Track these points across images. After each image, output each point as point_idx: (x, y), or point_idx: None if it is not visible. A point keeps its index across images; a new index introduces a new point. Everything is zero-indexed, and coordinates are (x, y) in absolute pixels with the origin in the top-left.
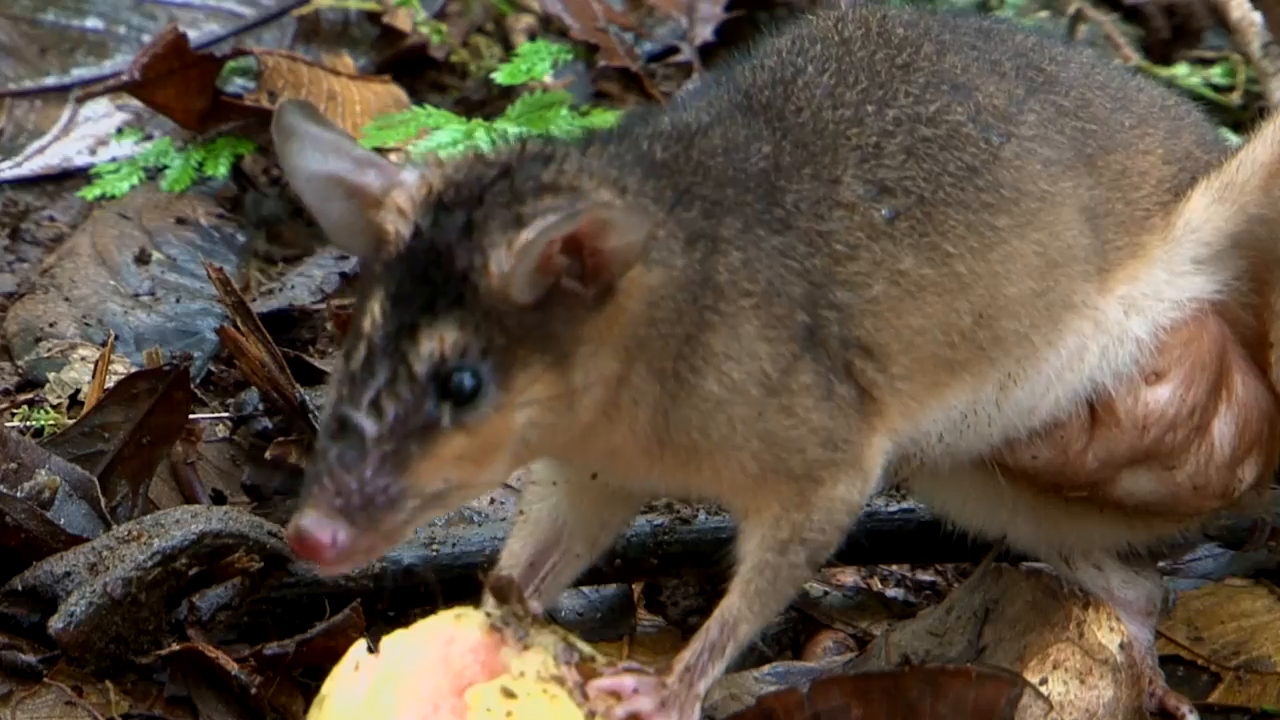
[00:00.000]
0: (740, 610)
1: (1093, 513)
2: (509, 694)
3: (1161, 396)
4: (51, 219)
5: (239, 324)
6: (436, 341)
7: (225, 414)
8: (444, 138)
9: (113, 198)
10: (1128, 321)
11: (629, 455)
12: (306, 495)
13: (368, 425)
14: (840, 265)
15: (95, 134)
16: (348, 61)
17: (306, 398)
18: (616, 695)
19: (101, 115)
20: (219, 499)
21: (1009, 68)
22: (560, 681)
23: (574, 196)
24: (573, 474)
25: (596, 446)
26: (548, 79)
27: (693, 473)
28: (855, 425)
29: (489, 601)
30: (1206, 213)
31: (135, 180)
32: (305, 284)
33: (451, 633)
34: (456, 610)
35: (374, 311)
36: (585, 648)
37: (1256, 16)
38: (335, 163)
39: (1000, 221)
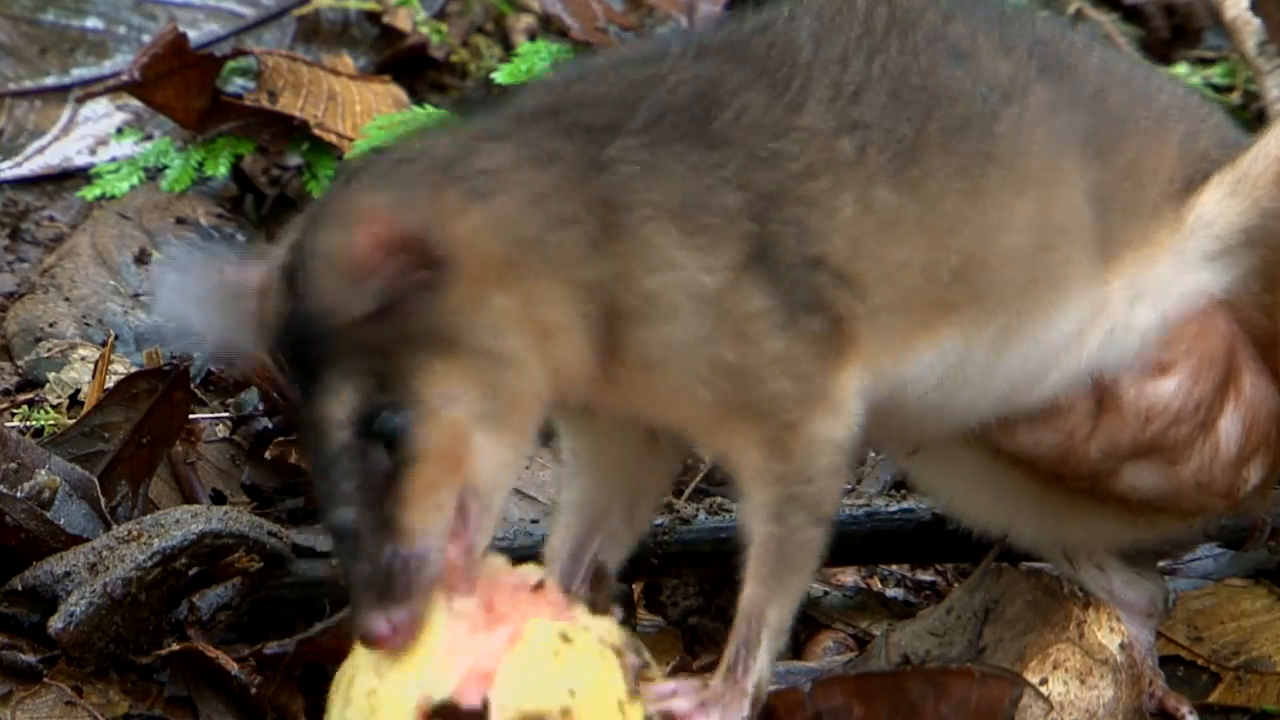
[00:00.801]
0: (760, 596)
1: (1096, 508)
2: (566, 638)
3: (1166, 389)
4: (51, 219)
5: None
6: (338, 405)
7: (225, 414)
8: None
9: (113, 198)
10: (1134, 310)
11: (592, 374)
12: (352, 600)
13: (345, 516)
14: (797, 182)
15: (95, 134)
16: (348, 61)
17: None
18: (660, 699)
19: (101, 115)
20: (219, 499)
21: (1022, 49)
22: (619, 654)
23: (347, 202)
24: (592, 444)
25: (566, 375)
26: None
27: (654, 399)
28: (822, 357)
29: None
30: (1219, 206)
31: (135, 180)
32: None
33: (534, 577)
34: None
35: (293, 403)
36: (649, 658)
37: (1252, 15)
38: (212, 275)
39: (994, 173)
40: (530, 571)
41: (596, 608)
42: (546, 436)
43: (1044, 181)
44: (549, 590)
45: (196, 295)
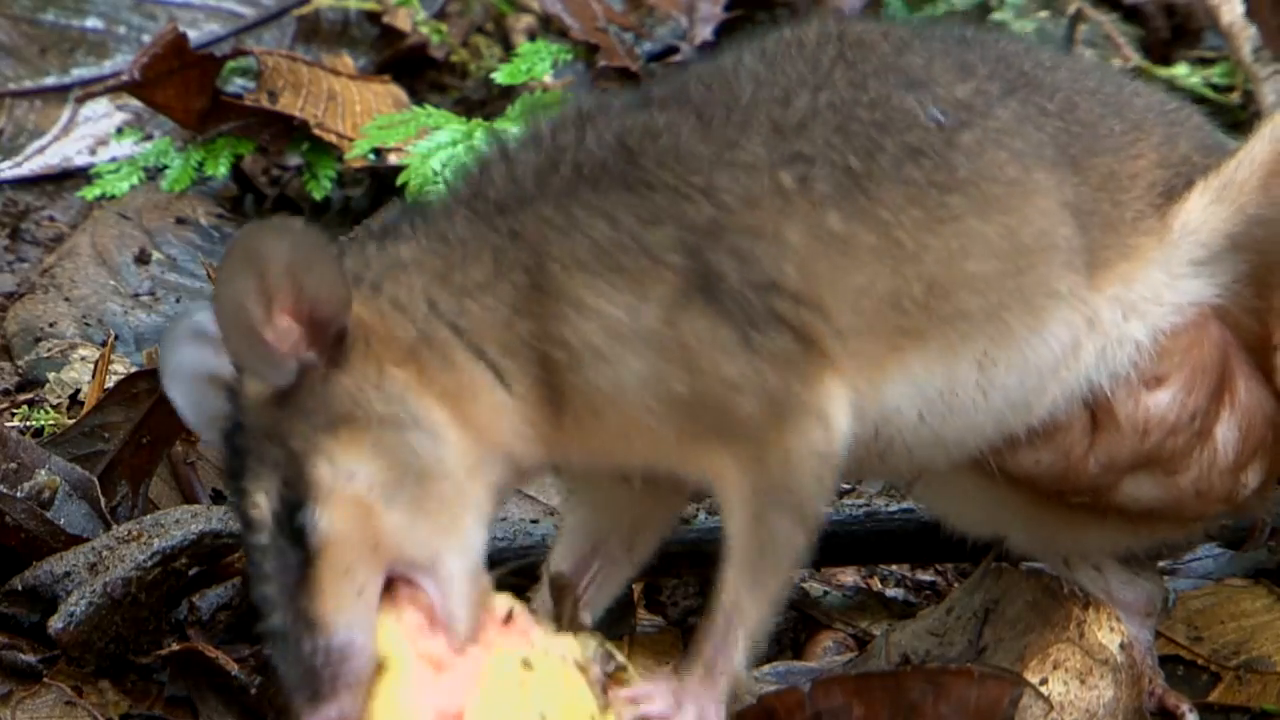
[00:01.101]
0: (738, 595)
1: (1094, 518)
2: (528, 665)
3: (1162, 401)
4: (51, 219)
5: None
6: (255, 508)
7: None
8: (444, 138)
9: (113, 198)
10: (1126, 324)
11: (537, 431)
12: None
13: (275, 621)
14: (734, 215)
15: (95, 134)
16: (348, 61)
17: None
18: (635, 702)
19: (101, 115)
20: (219, 499)
21: (983, 70)
22: (582, 670)
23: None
24: (588, 483)
25: (495, 435)
26: (548, 79)
27: (611, 443)
28: (793, 371)
29: (542, 595)
30: (1204, 214)
31: (135, 180)
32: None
33: (504, 608)
34: (508, 595)
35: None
36: (622, 659)
37: (1247, 21)
38: (207, 362)
39: (953, 200)
40: (500, 602)
41: (561, 621)
42: None
43: (1011, 204)
44: (518, 619)
45: (185, 378)
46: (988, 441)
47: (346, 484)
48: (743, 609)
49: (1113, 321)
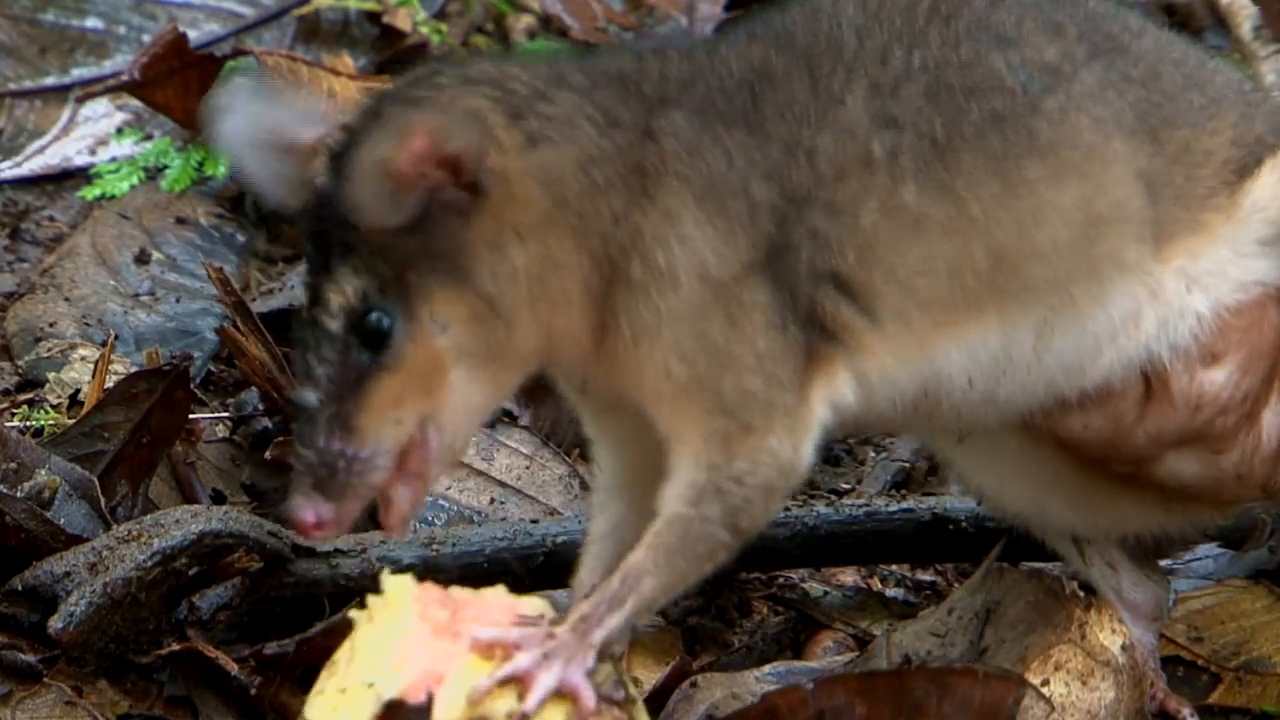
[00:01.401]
0: (644, 562)
1: (1131, 494)
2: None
3: (1217, 379)
4: (51, 219)
5: (239, 324)
6: (340, 294)
7: (225, 414)
8: None
9: (113, 198)
10: (1189, 296)
11: (583, 348)
12: (291, 482)
13: (308, 397)
14: (824, 187)
15: (95, 134)
16: (348, 61)
17: None
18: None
19: (101, 115)
20: (219, 499)
21: (1072, 30)
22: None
23: (404, 113)
24: (626, 472)
25: (561, 345)
26: None
27: (628, 365)
28: (798, 373)
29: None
30: (1274, 191)
31: (135, 180)
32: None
33: (532, 610)
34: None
35: (304, 281)
36: (634, 692)
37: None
38: (268, 122)
39: (1031, 170)
40: (529, 604)
41: None
42: (547, 436)
43: (1088, 172)
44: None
45: (250, 139)
46: (1038, 402)
47: (436, 331)
48: (643, 578)
49: (1176, 293)
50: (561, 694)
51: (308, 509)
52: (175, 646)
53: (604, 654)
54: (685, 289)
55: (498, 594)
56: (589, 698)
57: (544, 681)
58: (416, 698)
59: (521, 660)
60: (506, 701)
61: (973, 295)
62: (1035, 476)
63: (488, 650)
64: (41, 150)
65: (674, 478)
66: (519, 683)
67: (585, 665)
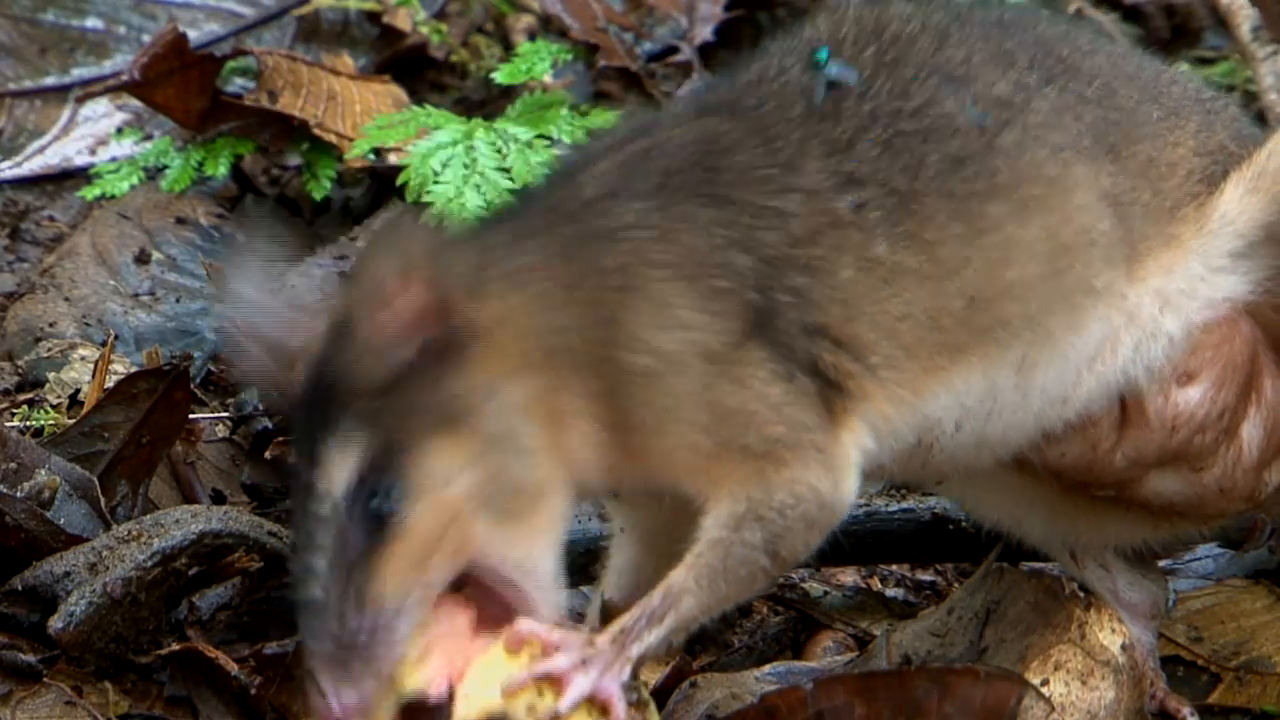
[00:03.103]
0: (685, 581)
1: (1114, 512)
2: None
3: (1192, 398)
4: (51, 219)
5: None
6: (334, 475)
7: (225, 414)
8: (444, 138)
9: (113, 198)
10: (1161, 317)
11: (606, 455)
12: (308, 679)
13: (314, 590)
14: (798, 248)
15: (95, 134)
16: (348, 61)
17: None
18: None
19: (101, 115)
20: (219, 499)
21: (1022, 58)
22: None
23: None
24: (640, 515)
25: (579, 462)
26: (548, 79)
27: (653, 458)
28: (819, 416)
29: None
30: (1240, 204)
31: (135, 180)
32: (305, 284)
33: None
34: None
35: (297, 451)
36: (646, 694)
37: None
38: (262, 319)
39: (993, 209)
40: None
41: None
42: None
43: (1050, 204)
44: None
45: (247, 334)
46: (1028, 438)
47: (442, 486)
48: (683, 597)
49: (1150, 315)
50: (594, 701)
51: (333, 698)
52: (175, 646)
53: (638, 669)
54: (692, 370)
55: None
56: (621, 709)
57: (580, 685)
58: (437, 692)
59: (561, 661)
60: (528, 697)
61: (953, 339)
62: (1014, 496)
63: (517, 646)
64: (41, 150)
65: (713, 511)
66: (554, 683)
67: (620, 677)
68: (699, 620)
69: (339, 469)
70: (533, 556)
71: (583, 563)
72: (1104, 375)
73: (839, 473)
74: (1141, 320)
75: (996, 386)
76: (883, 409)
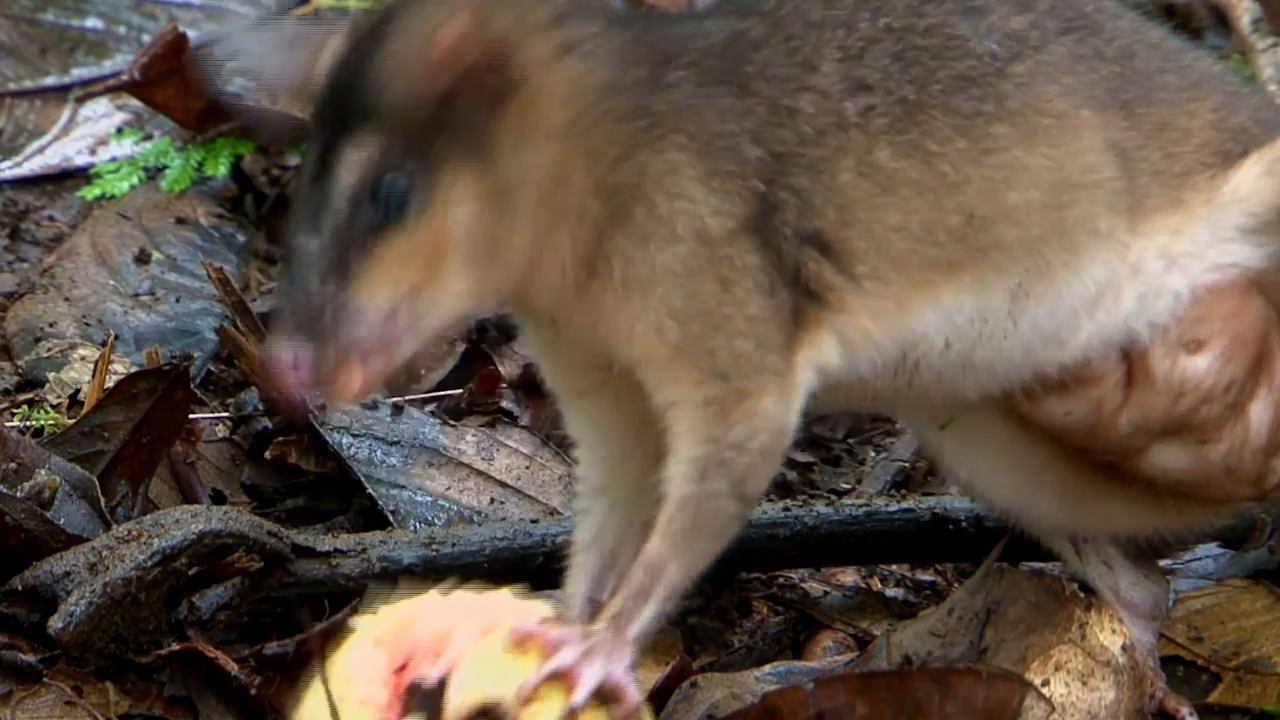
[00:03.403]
0: (662, 550)
1: (1122, 491)
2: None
3: (1200, 366)
4: (51, 219)
5: (239, 324)
6: (360, 151)
7: (225, 414)
8: None
9: (113, 198)
10: (1167, 275)
11: (567, 282)
12: (272, 327)
13: (309, 244)
14: (805, 146)
15: (95, 134)
16: None
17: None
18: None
19: (101, 115)
20: (219, 499)
21: (1041, 5)
22: None
23: None
24: (604, 468)
25: (545, 270)
26: None
27: (611, 317)
28: (786, 335)
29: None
30: (1256, 184)
31: (135, 180)
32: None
33: (542, 613)
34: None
35: (311, 150)
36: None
37: None
38: (276, 32)
39: (999, 130)
40: (539, 608)
41: None
42: (547, 436)
43: (1056, 137)
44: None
45: (258, 48)
46: (1017, 372)
47: (453, 199)
48: (665, 567)
49: (1154, 271)
50: (602, 690)
51: (286, 349)
52: (175, 646)
53: (639, 649)
54: (683, 245)
55: (504, 597)
56: (633, 693)
57: (590, 676)
58: (430, 679)
59: (566, 656)
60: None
61: (947, 255)
62: (1022, 469)
63: (521, 646)
64: (41, 150)
65: (676, 455)
66: (561, 679)
67: (624, 661)
68: (685, 583)
69: (351, 167)
70: (442, 311)
71: None
72: (1105, 325)
73: (790, 397)
74: (1146, 275)
75: (989, 309)
76: (861, 322)
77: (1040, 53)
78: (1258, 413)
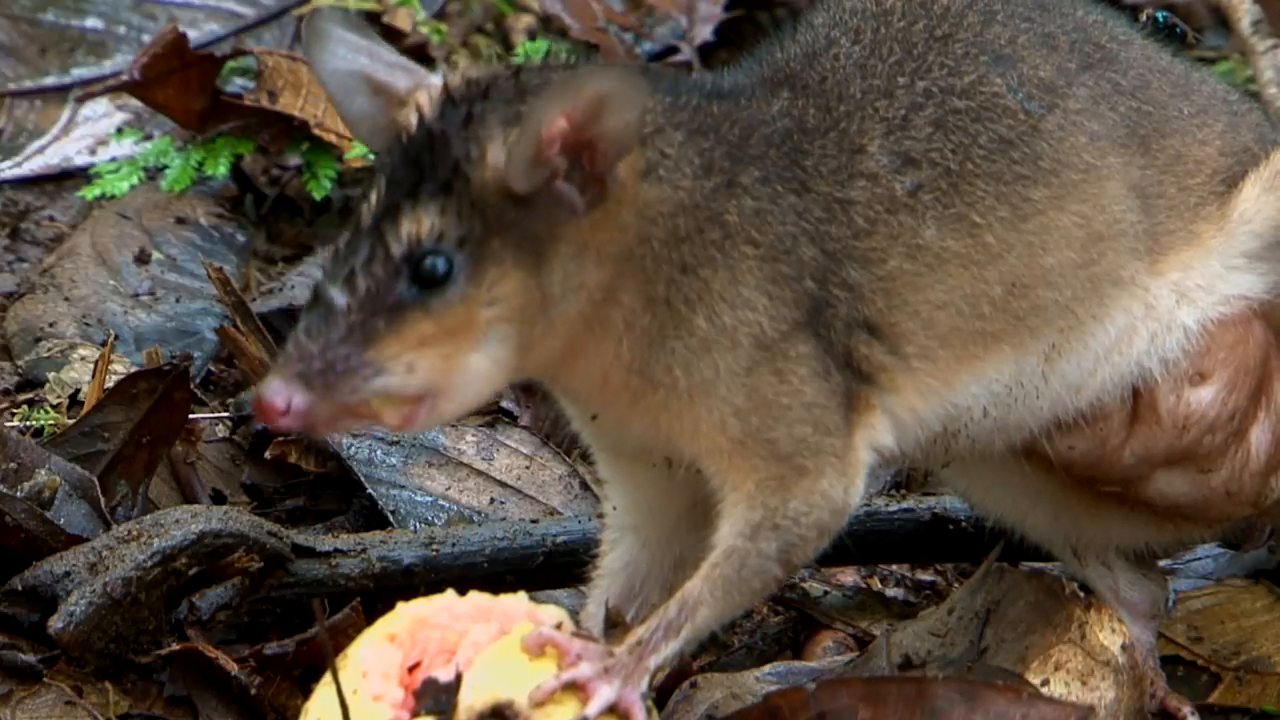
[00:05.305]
0: (701, 593)
1: (1118, 510)
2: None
3: (1204, 398)
4: (51, 219)
5: (239, 324)
6: (415, 224)
7: (225, 414)
8: None
9: (113, 198)
10: (1178, 310)
11: (614, 386)
12: (274, 365)
13: (338, 298)
14: (858, 239)
15: (95, 134)
16: None
17: None
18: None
19: (101, 115)
20: (219, 499)
21: (1064, 42)
22: None
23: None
24: (638, 506)
25: (582, 369)
26: None
27: (674, 419)
28: (843, 417)
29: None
30: (1258, 203)
31: (135, 180)
32: (305, 284)
33: (554, 620)
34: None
35: (370, 197)
36: (651, 699)
37: None
38: (365, 61)
39: (1036, 193)
40: (549, 611)
41: None
42: (547, 436)
43: (1086, 192)
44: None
45: (344, 73)
46: (1042, 425)
47: (491, 298)
48: (699, 608)
49: (1167, 308)
50: (615, 710)
51: (281, 394)
52: (175, 646)
53: (655, 679)
54: (742, 350)
55: (518, 600)
56: (642, 717)
57: (605, 694)
58: (444, 676)
59: (585, 669)
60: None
61: (990, 327)
62: (1021, 490)
63: (538, 650)
64: (41, 150)
65: (730, 517)
66: (577, 690)
67: (640, 687)
68: (717, 627)
69: (402, 238)
70: (473, 389)
71: (584, 561)
72: (1119, 365)
73: (851, 478)
74: (1159, 312)
75: (1024, 373)
76: (911, 401)
77: (1067, 100)
78: (1257, 436)
